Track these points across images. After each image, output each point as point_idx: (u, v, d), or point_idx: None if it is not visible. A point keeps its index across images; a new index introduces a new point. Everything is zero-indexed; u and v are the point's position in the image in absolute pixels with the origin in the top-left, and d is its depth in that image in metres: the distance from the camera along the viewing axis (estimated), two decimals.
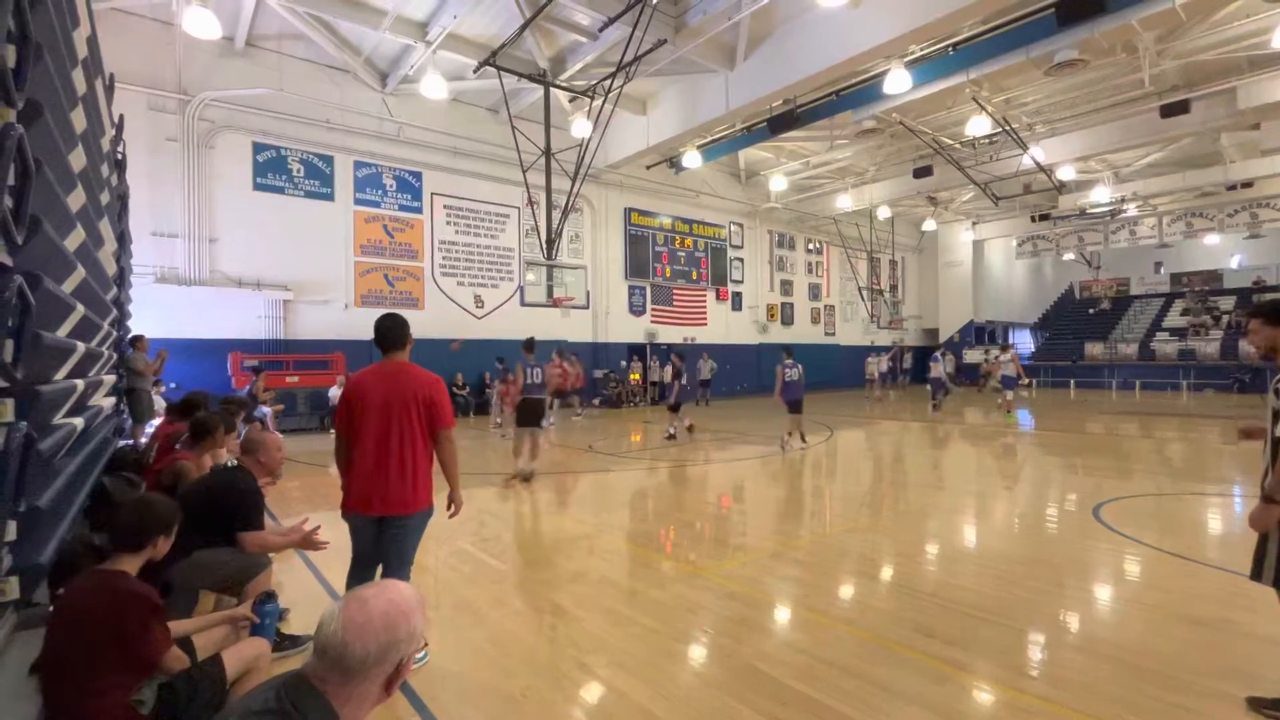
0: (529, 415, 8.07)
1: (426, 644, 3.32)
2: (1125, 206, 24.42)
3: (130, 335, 8.06)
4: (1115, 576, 4.57)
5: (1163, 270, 33.84)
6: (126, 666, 2.04)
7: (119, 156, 6.29)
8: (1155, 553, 4.99)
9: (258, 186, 13.99)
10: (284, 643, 3.30)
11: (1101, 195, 22.65)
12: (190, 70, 13.01)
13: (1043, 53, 12.37)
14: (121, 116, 6.35)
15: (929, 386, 17.37)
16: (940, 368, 17.20)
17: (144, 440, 6.84)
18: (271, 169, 14.17)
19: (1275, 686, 2.80)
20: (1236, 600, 3.82)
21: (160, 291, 12.43)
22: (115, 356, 5.91)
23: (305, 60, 14.25)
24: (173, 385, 11.55)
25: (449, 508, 3.29)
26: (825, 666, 3.17)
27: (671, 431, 12.15)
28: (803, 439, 10.90)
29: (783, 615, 3.95)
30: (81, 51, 3.16)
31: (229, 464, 3.44)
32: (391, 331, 3.15)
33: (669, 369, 14.16)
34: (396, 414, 3.05)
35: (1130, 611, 3.89)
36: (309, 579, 4.54)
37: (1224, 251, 33.20)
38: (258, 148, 13.98)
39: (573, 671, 3.20)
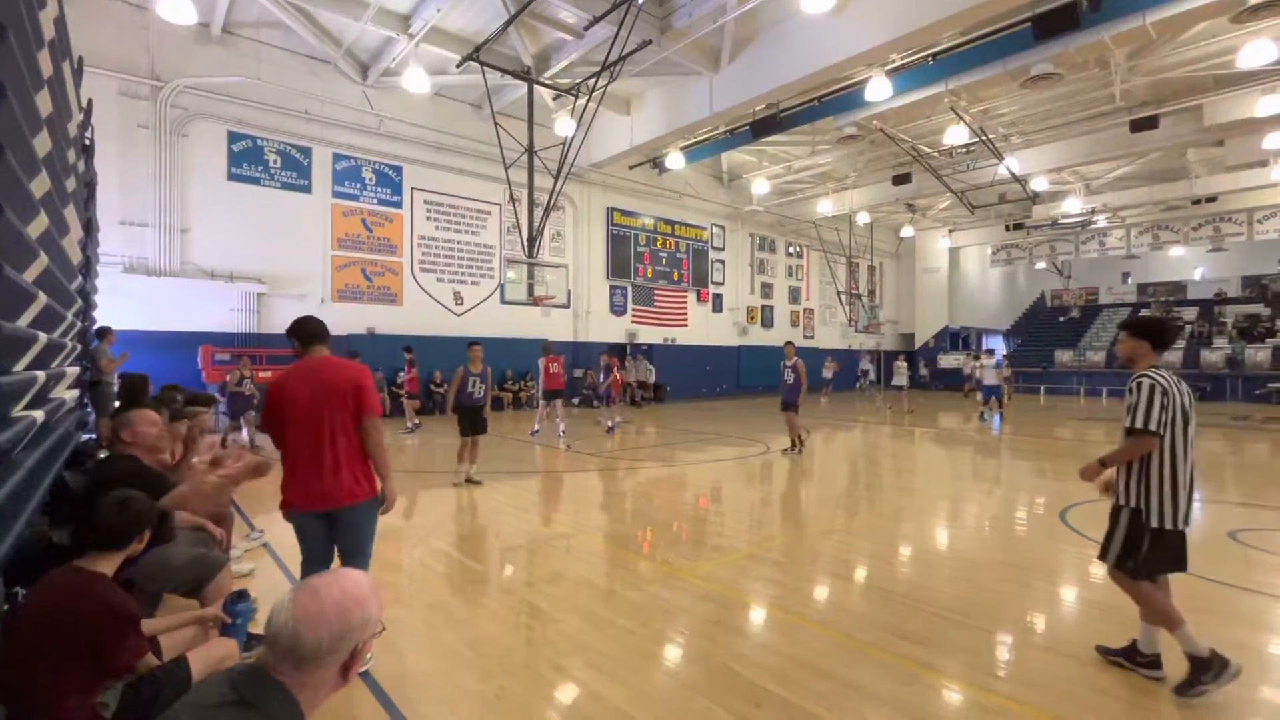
0: (469, 423, 7.92)
1: (383, 628, 3.27)
2: (1095, 218, 25.08)
3: (97, 326, 7.86)
4: (1080, 579, 4.69)
5: (1130, 281, 34.84)
6: (96, 672, 1.99)
7: (86, 142, 6.10)
8: None
9: (233, 177, 13.69)
10: (251, 642, 3.23)
11: (1073, 206, 23.23)
12: (164, 56, 12.68)
13: (1019, 65, 12.66)
14: (90, 101, 6.16)
15: (980, 393, 16.20)
16: (997, 373, 15.63)
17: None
18: (247, 159, 13.87)
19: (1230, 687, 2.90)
20: (1196, 601, 3.92)
21: (129, 282, 12.10)
22: (79, 348, 5.73)
23: (284, 49, 13.98)
24: None
25: (381, 504, 3.18)
26: (799, 668, 3.20)
27: (609, 425, 13.33)
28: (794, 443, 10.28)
29: (758, 616, 3.97)
30: (49, 33, 3.06)
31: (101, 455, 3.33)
32: (308, 326, 3.16)
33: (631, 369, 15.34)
34: (325, 407, 3.01)
35: (1094, 612, 3.99)
36: (279, 578, 4.45)
37: (1188, 264, 34.27)
38: (233, 137, 13.67)
39: (549, 673, 3.19)
